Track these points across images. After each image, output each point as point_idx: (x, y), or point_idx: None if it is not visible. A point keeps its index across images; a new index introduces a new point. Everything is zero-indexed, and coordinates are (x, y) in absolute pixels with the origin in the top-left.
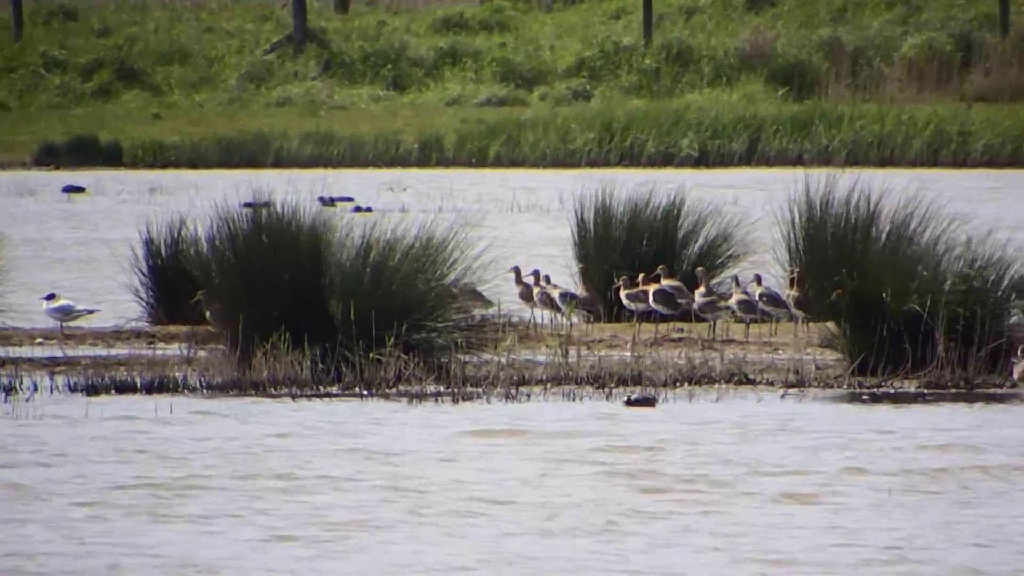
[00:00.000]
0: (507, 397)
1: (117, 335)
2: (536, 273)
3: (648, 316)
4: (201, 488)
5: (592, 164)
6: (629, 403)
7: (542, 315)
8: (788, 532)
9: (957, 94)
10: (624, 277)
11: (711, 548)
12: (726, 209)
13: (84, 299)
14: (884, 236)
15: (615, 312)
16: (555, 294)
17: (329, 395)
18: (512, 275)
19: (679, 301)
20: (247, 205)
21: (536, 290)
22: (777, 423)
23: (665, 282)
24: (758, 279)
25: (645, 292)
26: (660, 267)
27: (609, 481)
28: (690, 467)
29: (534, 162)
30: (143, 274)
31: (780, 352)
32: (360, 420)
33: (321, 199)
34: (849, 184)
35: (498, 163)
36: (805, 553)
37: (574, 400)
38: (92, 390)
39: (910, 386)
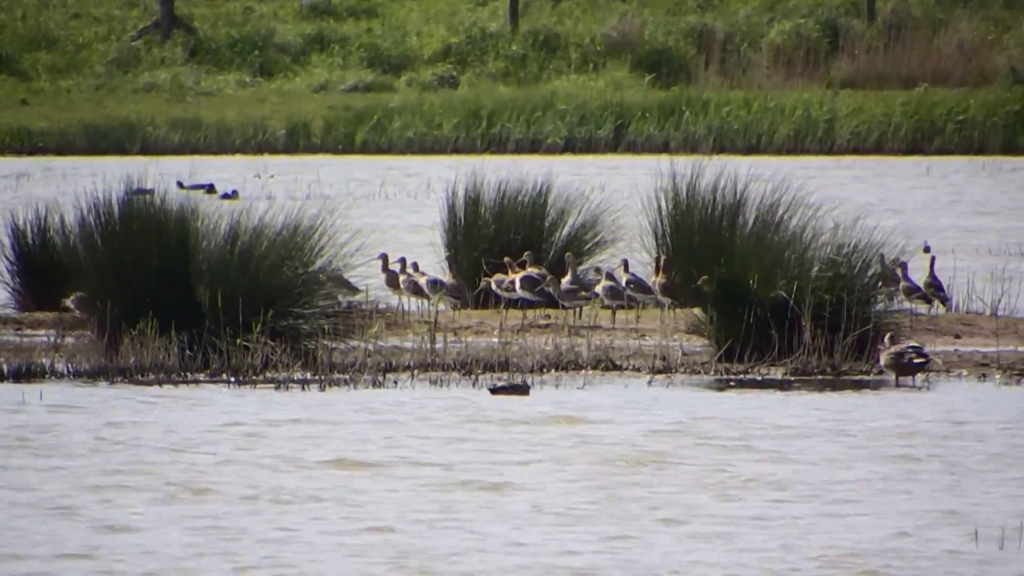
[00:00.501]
0: (374, 384)
1: None
2: (403, 260)
3: (515, 303)
4: (62, 474)
5: (459, 151)
6: (494, 391)
7: (409, 302)
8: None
9: (824, 81)
10: (489, 263)
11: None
12: (593, 196)
13: None
14: (751, 223)
15: (483, 299)
16: (423, 281)
17: (196, 381)
18: (380, 262)
19: (546, 288)
20: (138, 192)
21: (403, 277)
22: (640, 408)
23: (531, 269)
24: (625, 265)
25: (513, 280)
26: (527, 253)
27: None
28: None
29: (401, 149)
30: (10, 261)
31: (647, 338)
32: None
33: (179, 183)
34: (716, 171)
35: (365, 149)
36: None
37: (441, 386)
38: None
39: (776, 373)
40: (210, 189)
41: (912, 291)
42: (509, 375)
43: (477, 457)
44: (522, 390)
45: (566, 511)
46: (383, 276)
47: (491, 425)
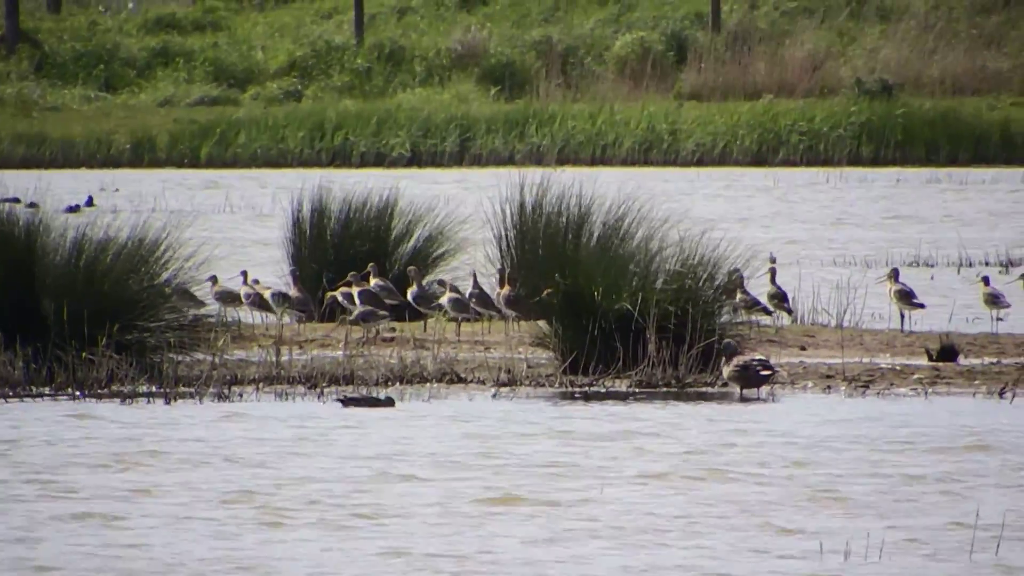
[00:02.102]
0: (219, 397)
1: None
2: (244, 274)
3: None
4: None
5: (304, 164)
6: (345, 403)
7: (253, 315)
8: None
9: (670, 92)
10: (329, 277)
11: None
12: (438, 209)
13: None
14: (596, 235)
15: (328, 312)
16: (268, 294)
17: (42, 395)
18: (221, 276)
19: (387, 301)
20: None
21: (244, 290)
22: (490, 423)
23: (374, 281)
24: (474, 278)
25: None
26: (370, 265)
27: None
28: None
29: (246, 162)
30: None
31: (492, 351)
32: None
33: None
34: (561, 183)
35: (210, 163)
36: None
37: (286, 399)
38: None
39: (621, 385)
40: (15, 200)
41: (752, 304)
42: (354, 387)
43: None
44: (380, 403)
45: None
46: (238, 290)
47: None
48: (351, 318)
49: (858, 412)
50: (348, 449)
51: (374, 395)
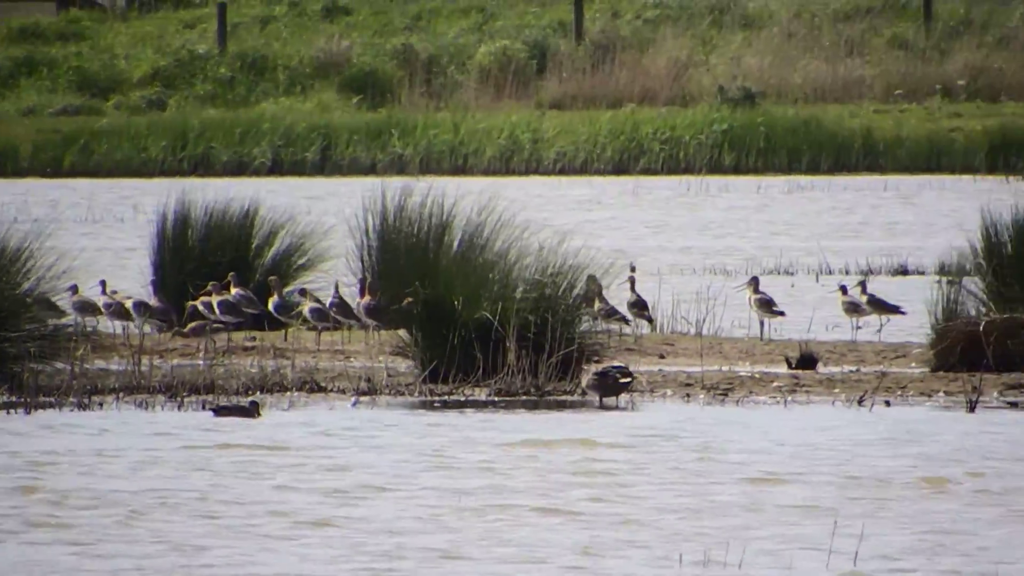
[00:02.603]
0: (80, 406)
1: None
2: (103, 283)
3: (223, 325)
4: None
5: (166, 173)
6: (217, 412)
7: (113, 325)
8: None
9: (532, 101)
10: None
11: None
12: (300, 218)
13: None
14: (456, 244)
15: (188, 321)
16: (128, 304)
17: None
18: (76, 286)
19: (246, 310)
20: None
21: (103, 300)
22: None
23: (234, 291)
24: (336, 288)
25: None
26: (230, 275)
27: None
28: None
29: (109, 171)
30: None
31: (352, 360)
32: None
33: None
34: (423, 192)
35: (73, 172)
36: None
37: (147, 409)
38: None
39: (481, 393)
40: None
41: (611, 313)
42: (215, 397)
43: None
44: (247, 412)
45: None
46: (73, 300)
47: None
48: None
49: (716, 418)
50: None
51: (242, 404)
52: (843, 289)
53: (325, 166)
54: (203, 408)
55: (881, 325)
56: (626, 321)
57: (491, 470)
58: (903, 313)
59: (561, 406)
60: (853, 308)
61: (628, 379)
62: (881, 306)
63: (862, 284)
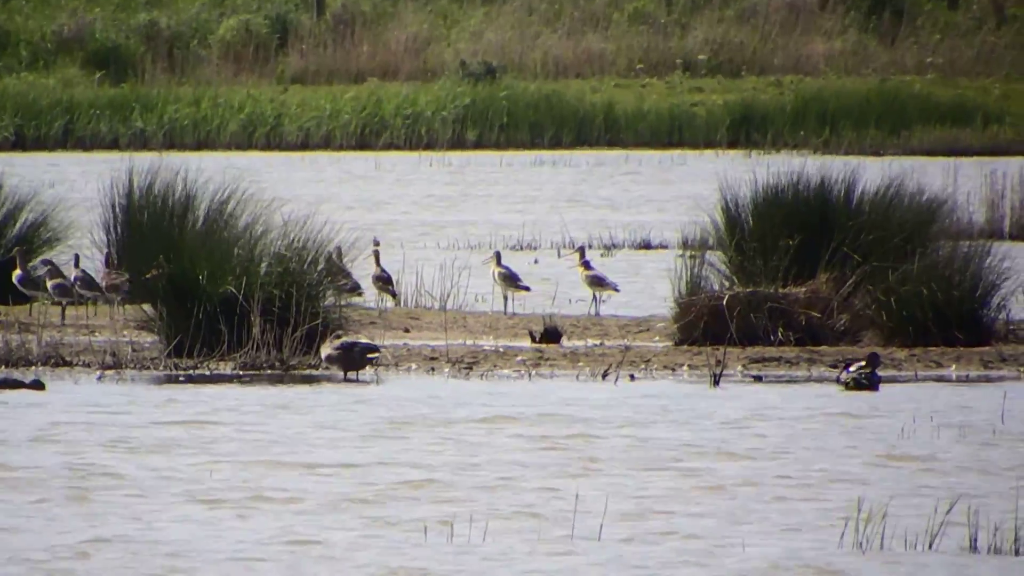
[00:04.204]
0: None
1: None
2: None
3: None
4: None
5: None
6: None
7: None
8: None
9: (274, 76)
10: None
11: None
12: (44, 193)
13: None
14: (201, 219)
15: None
16: None
17: None
18: None
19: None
20: None
21: None
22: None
23: None
24: (76, 260)
25: None
26: None
27: None
28: None
29: None
30: None
31: (98, 334)
32: None
33: None
34: (168, 167)
35: None
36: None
37: None
38: None
39: (226, 367)
40: None
41: (355, 287)
42: None
43: None
44: (27, 385)
45: None
46: None
47: None
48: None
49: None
50: None
51: (21, 378)
52: (586, 264)
53: (68, 141)
54: None
55: (597, 301)
56: (360, 293)
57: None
58: (617, 290)
59: (306, 380)
60: (598, 282)
61: (373, 353)
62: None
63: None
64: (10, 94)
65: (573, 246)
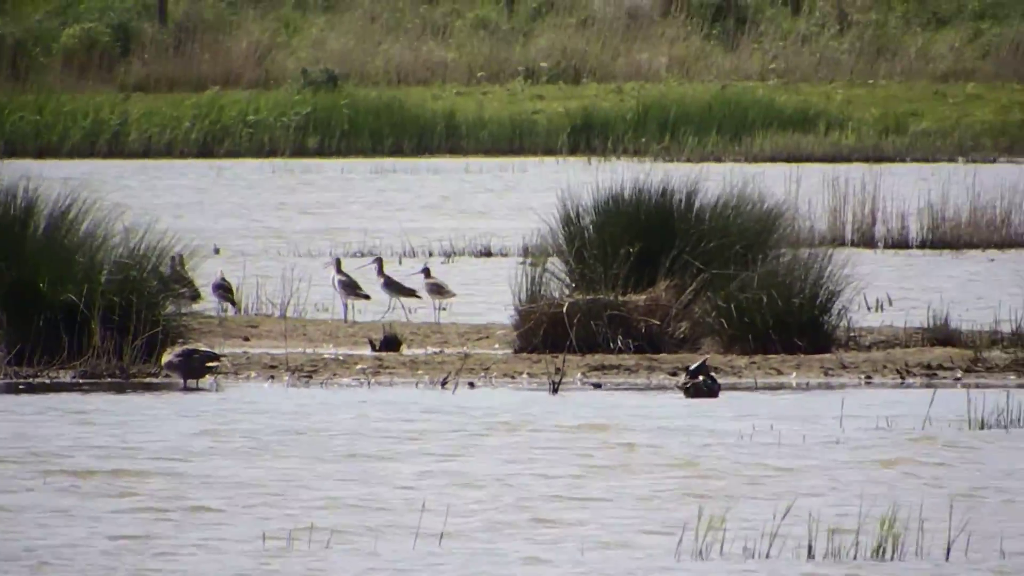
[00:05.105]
0: None
1: None
2: None
3: None
4: None
5: None
6: None
7: None
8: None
9: (116, 84)
10: None
11: None
12: None
13: None
14: (42, 226)
15: None
16: None
17: None
18: None
19: None
20: None
21: None
22: None
23: None
24: None
25: None
26: None
27: None
28: None
29: None
30: None
31: None
32: None
33: None
34: (10, 173)
35: None
36: None
37: None
38: None
39: (66, 376)
40: None
41: (195, 295)
42: None
43: None
44: None
45: None
46: None
47: None
48: None
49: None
50: None
51: None
52: (425, 271)
53: None
54: None
55: (391, 308)
56: (195, 299)
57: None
58: (419, 297)
59: (146, 388)
60: (437, 290)
61: (213, 361)
62: (398, 289)
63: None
64: None
65: (415, 254)
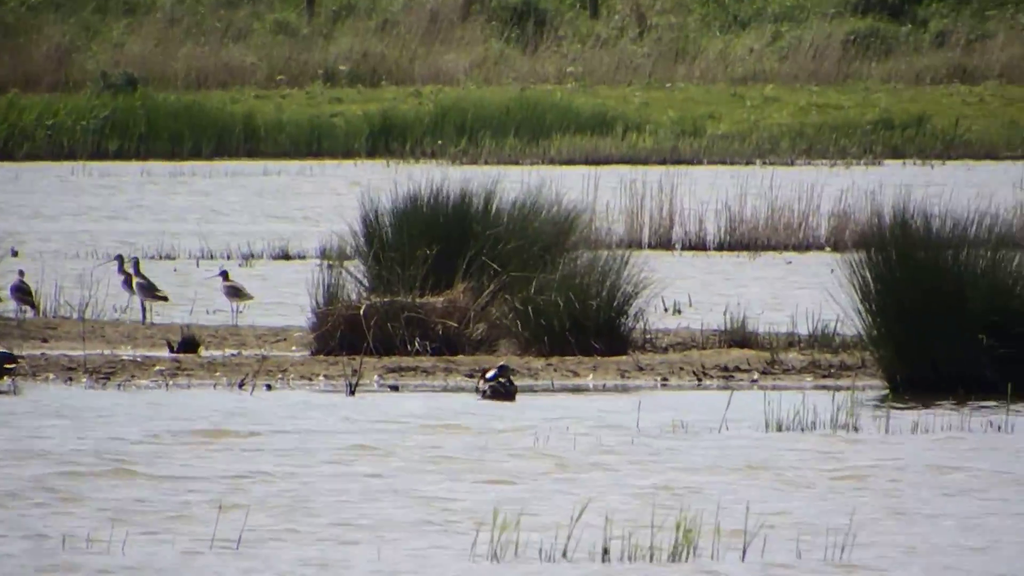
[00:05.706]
0: None
1: None
2: None
3: None
4: None
5: None
6: None
7: None
8: None
9: None
10: None
11: None
12: None
13: None
14: None
15: None
16: None
17: None
18: None
19: None
20: None
21: None
22: None
23: None
24: None
25: None
26: None
27: None
28: None
29: None
30: None
31: None
32: None
33: None
34: None
35: None
36: None
37: None
38: None
39: None
40: None
41: None
42: None
43: None
44: None
45: None
46: None
47: None
48: None
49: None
50: None
51: None
52: (223, 274)
53: None
54: None
55: (145, 310)
56: None
57: None
58: (164, 299)
59: None
60: (235, 292)
61: (12, 363)
62: (148, 291)
63: (134, 264)
64: None
65: (212, 256)
